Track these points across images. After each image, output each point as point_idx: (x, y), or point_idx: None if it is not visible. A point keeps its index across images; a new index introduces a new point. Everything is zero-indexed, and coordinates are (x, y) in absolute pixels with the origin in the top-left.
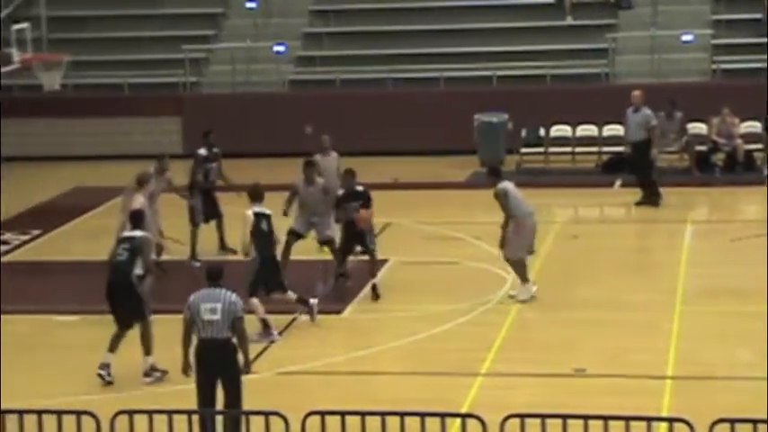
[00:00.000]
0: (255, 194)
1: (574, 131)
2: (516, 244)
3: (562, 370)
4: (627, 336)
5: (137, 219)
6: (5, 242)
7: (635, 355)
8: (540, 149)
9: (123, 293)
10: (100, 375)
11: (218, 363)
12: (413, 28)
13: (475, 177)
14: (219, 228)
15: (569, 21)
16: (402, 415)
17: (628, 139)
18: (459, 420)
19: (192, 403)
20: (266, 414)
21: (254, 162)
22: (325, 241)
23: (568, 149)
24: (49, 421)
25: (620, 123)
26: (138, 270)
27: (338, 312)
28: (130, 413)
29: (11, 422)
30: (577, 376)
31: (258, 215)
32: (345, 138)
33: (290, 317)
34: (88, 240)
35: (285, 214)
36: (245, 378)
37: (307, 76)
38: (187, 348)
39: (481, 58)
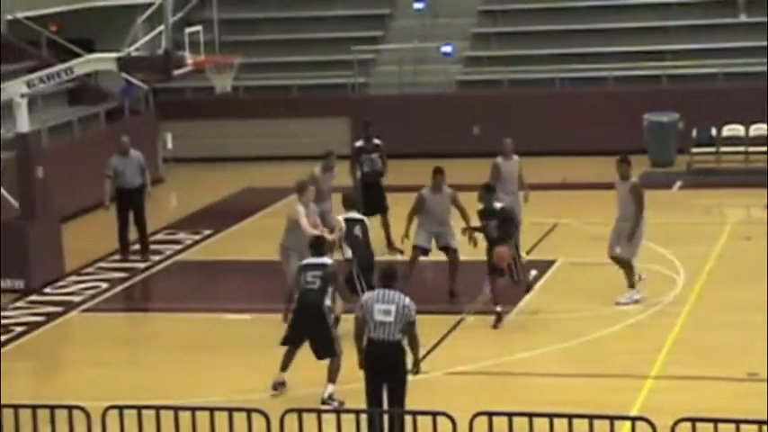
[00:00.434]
0: (349, 202)
1: (747, 131)
2: (637, 244)
3: (735, 374)
4: None
5: (319, 246)
6: (178, 242)
7: None
8: (712, 149)
9: (315, 325)
10: (274, 395)
11: (387, 364)
12: (581, 27)
13: (645, 177)
14: (384, 223)
15: (743, 18)
16: (570, 417)
17: None
18: (628, 423)
19: (358, 402)
20: (434, 414)
21: (422, 162)
22: (446, 248)
23: (741, 149)
24: (221, 418)
25: None
26: (328, 300)
27: (506, 313)
28: (299, 412)
29: (183, 419)
30: (751, 380)
31: (349, 221)
32: (513, 138)
33: (456, 317)
34: (259, 240)
35: (407, 236)
36: (413, 379)
37: (474, 76)
38: (361, 344)
39: (651, 57)
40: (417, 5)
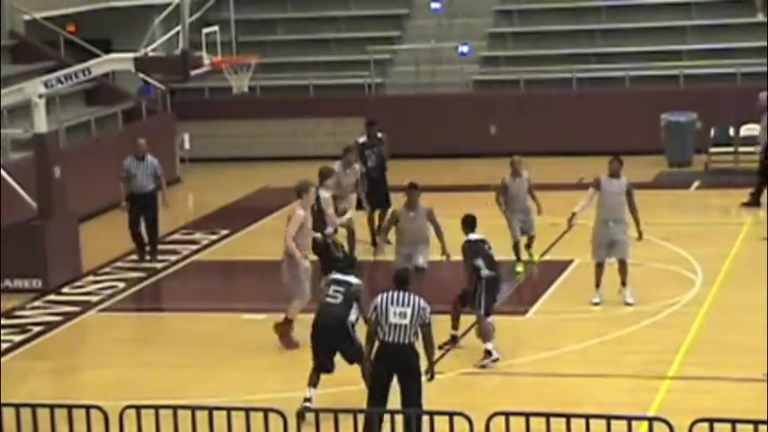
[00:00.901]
0: (468, 224)
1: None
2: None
3: (752, 374)
4: None
5: (350, 264)
6: (195, 242)
7: None
8: (730, 149)
9: (339, 338)
10: (303, 411)
11: (402, 367)
12: (597, 27)
13: (662, 178)
14: (381, 217)
15: (760, 18)
16: (587, 417)
17: None
18: (646, 424)
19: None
20: (450, 414)
21: (438, 162)
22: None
23: (759, 149)
24: (238, 418)
25: None
26: (353, 316)
27: (523, 313)
28: (316, 412)
29: (200, 418)
30: None
31: (475, 242)
32: (529, 138)
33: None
34: (275, 240)
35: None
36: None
37: (491, 76)
38: (372, 347)
39: (668, 57)
40: (434, 5)
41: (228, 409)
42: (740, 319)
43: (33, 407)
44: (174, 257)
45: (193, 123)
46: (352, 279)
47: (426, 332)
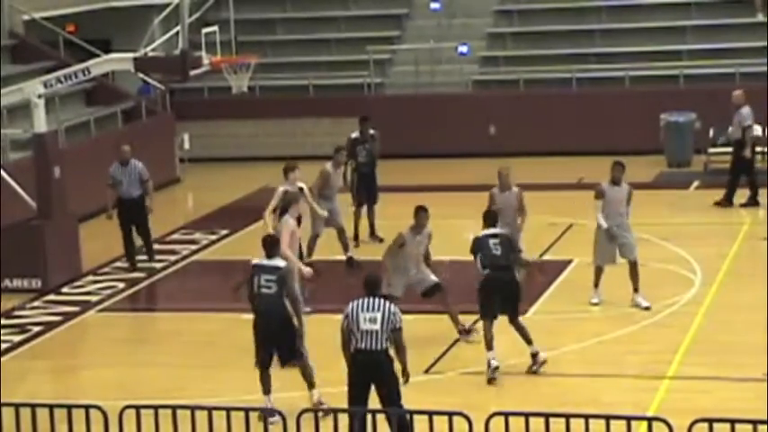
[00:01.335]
0: (485, 219)
1: (765, 131)
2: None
3: (752, 374)
4: None
5: (272, 245)
6: (195, 242)
7: None
8: (729, 149)
9: (278, 329)
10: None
11: (376, 374)
12: (597, 27)
13: (661, 178)
14: (370, 214)
15: (760, 18)
16: (587, 417)
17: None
18: (645, 424)
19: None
20: (450, 414)
21: (437, 162)
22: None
23: (758, 149)
24: (237, 418)
25: None
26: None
27: (523, 313)
28: (315, 412)
29: (200, 418)
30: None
31: (480, 238)
32: (529, 138)
33: (473, 317)
34: None
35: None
36: (429, 378)
37: (490, 76)
38: (349, 354)
39: (667, 57)
40: (434, 5)
41: (228, 409)
42: (740, 319)
43: (33, 407)
44: (173, 257)
45: (193, 123)
46: (279, 262)
47: (397, 337)
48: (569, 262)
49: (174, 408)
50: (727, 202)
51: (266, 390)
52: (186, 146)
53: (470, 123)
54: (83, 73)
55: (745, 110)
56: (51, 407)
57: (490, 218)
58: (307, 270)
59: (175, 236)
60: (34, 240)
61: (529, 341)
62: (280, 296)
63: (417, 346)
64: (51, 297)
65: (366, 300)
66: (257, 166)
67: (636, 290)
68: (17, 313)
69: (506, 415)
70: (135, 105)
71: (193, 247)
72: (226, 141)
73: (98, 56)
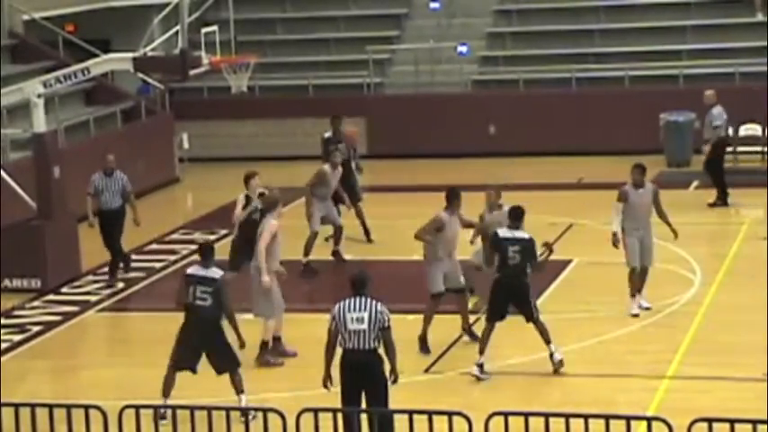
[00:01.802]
0: (511, 216)
1: (764, 130)
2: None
3: (751, 374)
4: None
5: (208, 253)
6: (194, 242)
7: None
8: (729, 149)
9: (210, 341)
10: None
11: (365, 374)
12: (596, 27)
13: (661, 177)
14: (358, 213)
15: (760, 18)
16: (586, 417)
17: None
18: (644, 424)
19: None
20: (449, 414)
21: (437, 162)
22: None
23: (758, 149)
24: (237, 419)
25: None
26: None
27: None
28: (315, 411)
29: (200, 418)
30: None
31: (497, 237)
32: (528, 138)
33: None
34: None
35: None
36: (430, 378)
37: (490, 76)
38: (330, 360)
39: (667, 57)
40: (433, 5)
41: (228, 409)
42: (740, 319)
43: (32, 406)
44: (173, 257)
45: (192, 123)
46: (215, 273)
47: (386, 336)
48: (569, 262)
49: (173, 408)
50: (720, 201)
51: (167, 392)
52: (186, 145)
53: (470, 123)
54: (82, 73)
55: (716, 110)
56: (51, 407)
57: (512, 215)
58: (266, 280)
59: (175, 236)
60: (34, 240)
61: (547, 341)
62: (215, 308)
63: (417, 345)
64: (51, 297)
65: (353, 299)
66: (257, 166)
67: (639, 291)
68: (17, 313)
69: (506, 415)
70: (134, 105)
71: (193, 246)
72: (225, 141)
73: (97, 56)
